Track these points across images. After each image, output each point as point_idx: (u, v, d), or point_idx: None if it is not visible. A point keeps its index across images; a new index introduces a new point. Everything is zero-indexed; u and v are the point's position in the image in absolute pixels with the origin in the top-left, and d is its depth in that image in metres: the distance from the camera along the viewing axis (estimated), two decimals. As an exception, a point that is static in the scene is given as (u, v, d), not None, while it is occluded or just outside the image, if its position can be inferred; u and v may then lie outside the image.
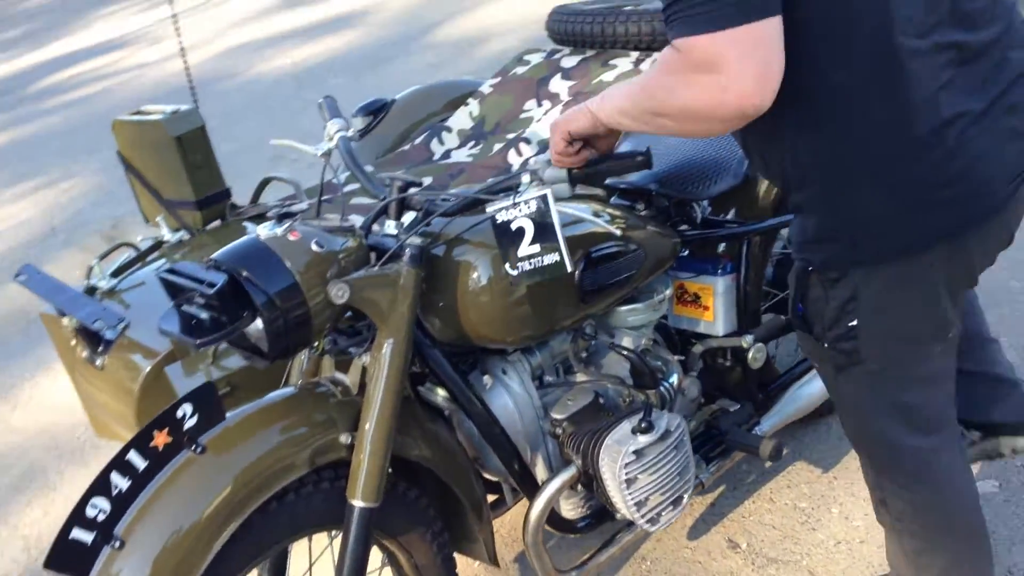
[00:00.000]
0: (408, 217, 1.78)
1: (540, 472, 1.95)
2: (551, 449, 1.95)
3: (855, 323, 1.49)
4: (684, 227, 2.12)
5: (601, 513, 2.02)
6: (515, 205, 1.57)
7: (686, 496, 1.90)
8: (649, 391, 1.97)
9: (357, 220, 2.26)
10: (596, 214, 1.84)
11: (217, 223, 2.53)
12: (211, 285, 1.49)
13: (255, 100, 7.05)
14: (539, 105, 2.66)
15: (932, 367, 1.55)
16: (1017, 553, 2.05)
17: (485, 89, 2.82)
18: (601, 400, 1.95)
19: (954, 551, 1.69)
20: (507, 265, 1.61)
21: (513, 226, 1.58)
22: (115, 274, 2.35)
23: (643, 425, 1.80)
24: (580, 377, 1.98)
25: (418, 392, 1.93)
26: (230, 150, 5.73)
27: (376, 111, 2.95)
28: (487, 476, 2.04)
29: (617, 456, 1.78)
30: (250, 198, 2.59)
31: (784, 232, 2.37)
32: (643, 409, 1.85)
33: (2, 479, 3.18)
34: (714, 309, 2.12)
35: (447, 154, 2.70)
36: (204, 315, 1.53)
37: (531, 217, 1.57)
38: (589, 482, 1.87)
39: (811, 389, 2.24)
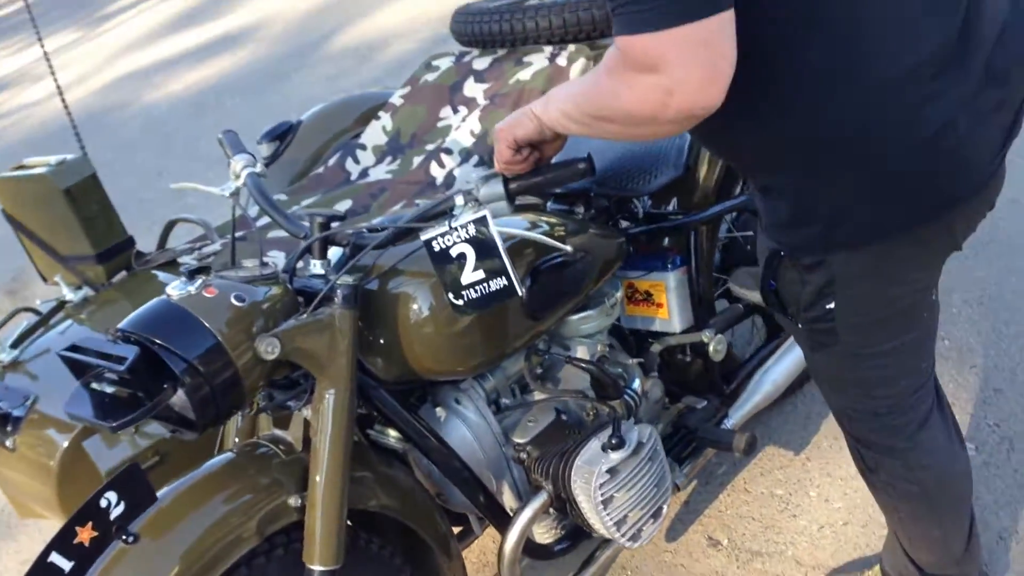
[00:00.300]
0: (334, 253, 1.64)
1: (509, 501, 1.82)
2: (517, 475, 1.83)
3: (832, 306, 1.41)
4: (627, 224, 2.01)
5: (576, 532, 1.91)
6: (452, 230, 1.43)
7: (665, 506, 1.79)
8: (613, 402, 1.85)
9: (278, 257, 2.11)
10: (535, 225, 1.72)
11: (123, 275, 2.33)
12: (121, 361, 1.32)
13: (151, 129, 6.75)
14: (455, 112, 2.52)
15: (915, 335, 1.47)
16: (1005, 517, 1.99)
17: (396, 100, 2.67)
18: (564, 417, 1.84)
19: (942, 516, 1.64)
20: (451, 295, 1.47)
21: (453, 252, 1.45)
22: (16, 344, 2.14)
23: (613, 441, 1.68)
24: (538, 396, 1.85)
25: (368, 435, 1.78)
26: (130, 185, 5.48)
27: (282, 135, 2.78)
28: (452, 509, 1.91)
29: (590, 477, 1.67)
30: (157, 243, 2.40)
31: (729, 217, 2.28)
32: (610, 423, 1.73)
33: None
34: (668, 306, 2.02)
35: (364, 173, 2.55)
36: (117, 393, 1.36)
37: (471, 241, 1.43)
38: (562, 506, 1.75)
39: (776, 374, 2.15)
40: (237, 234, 2.20)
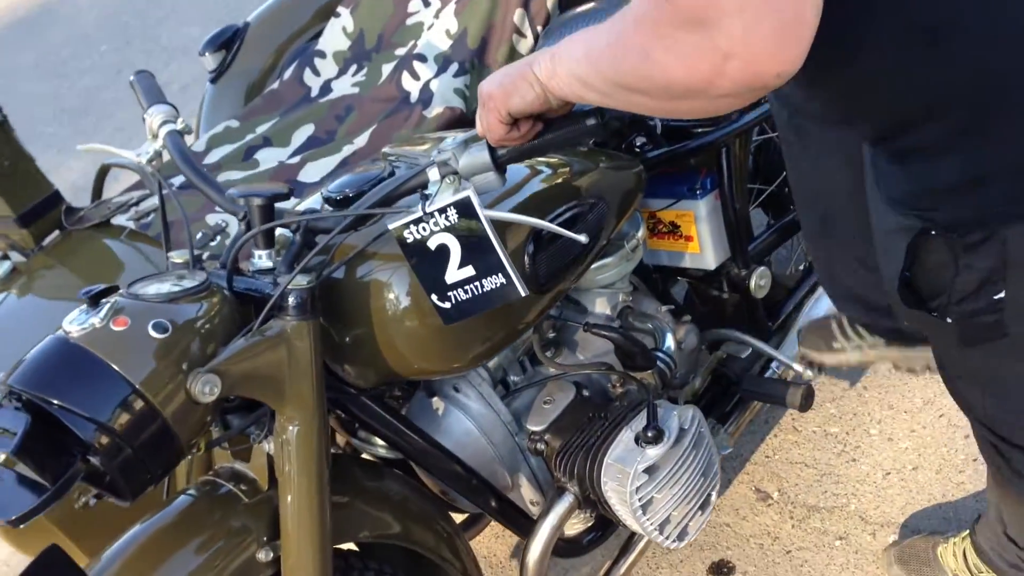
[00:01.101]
0: (282, 233, 1.30)
1: (528, 495, 1.54)
2: (536, 467, 1.54)
3: (1002, 295, 1.07)
4: (643, 145, 1.65)
5: (607, 522, 1.64)
6: (427, 216, 1.09)
7: (715, 494, 1.51)
8: (643, 373, 1.54)
9: (228, 225, 1.74)
10: (531, 178, 1.36)
11: (55, 235, 1.99)
12: (10, 436, 1.01)
13: (106, 21, 6.20)
14: (426, 5, 2.10)
15: None
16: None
17: (354, -10, 2.24)
18: (585, 392, 1.54)
19: None
20: (434, 297, 1.14)
21: (431, 244, 1.11)
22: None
23: (649, 434, 1.38)
24: (552, 369, 1.54)
25: (350, 442, 1.49)
26: (91, 84, 5.01)
27: (228, 42, 2.40)
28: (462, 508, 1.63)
29: (624, 479, 1.38)
30: (91, 193, 2.04)
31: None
32: (642, 406, 1.43)
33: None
34: (699, 238, 1.68)
35: (327, 87, 2.15)
36: (11, 478, 1.05)
37: (453, 230, 1.09)
38: (592, 504, 1.48)
39: (827, 302, 1.82)
40: (177, 183, 1.85)
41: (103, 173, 2.01)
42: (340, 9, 2.26)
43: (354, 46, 2.18)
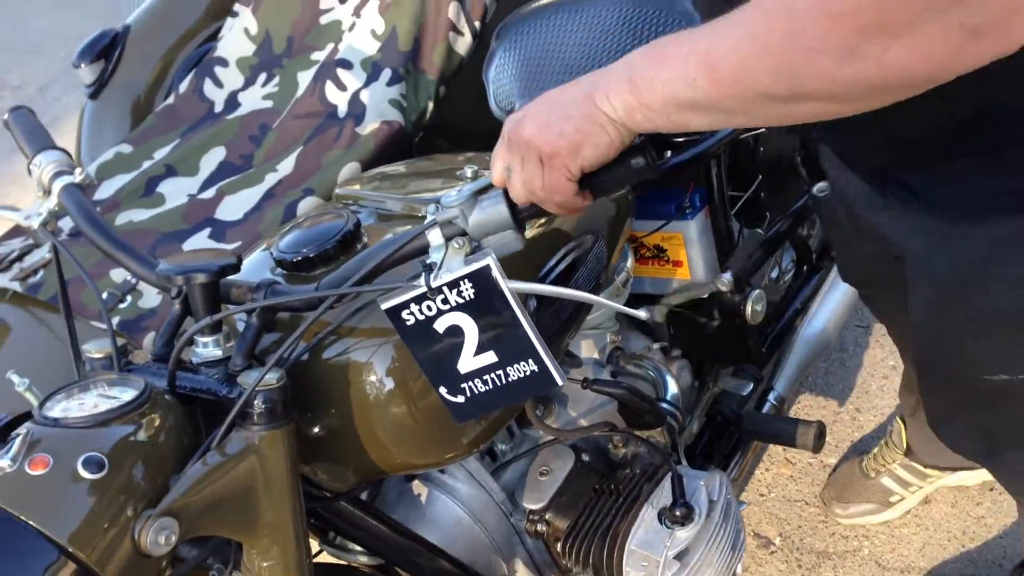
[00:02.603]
0: (232, 320, 1.04)
1: (523, 583, 1.33)
2: (531, 548, 1.32)
3: None
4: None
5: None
6: (434, 293, 0.85)
7: (740, 566, 1.32)
8: (651, 428, 1.34)
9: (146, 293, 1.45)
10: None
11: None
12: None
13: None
14: (342, 1, 1.84)
15: None
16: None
17: (255, -12, 1.95)
18: (585, 457, 1.33)
19: None
20: (443, 390, 0.91)
21: (438, 326, 0.87)
22: None
23: (678, 513, 1.18)
24: (545, 434, 1.32)
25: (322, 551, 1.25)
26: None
27: (105, 50, 2.07)
28: None
29: (653, 568, 1.18)
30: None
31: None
32: (661, 475, 1.23)
33: None
34: (690, 263, 1.50)
35: (233, 100, 1.85)
36: None
37: (467, 308, 0.86)
38: (606, 588, 1.27)
39: (823, 321, 1.68)
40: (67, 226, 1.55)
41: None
42: (238, 7, 1.97)
43: (260, 51, 1.90)
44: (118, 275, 1.43)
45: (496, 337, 0.88)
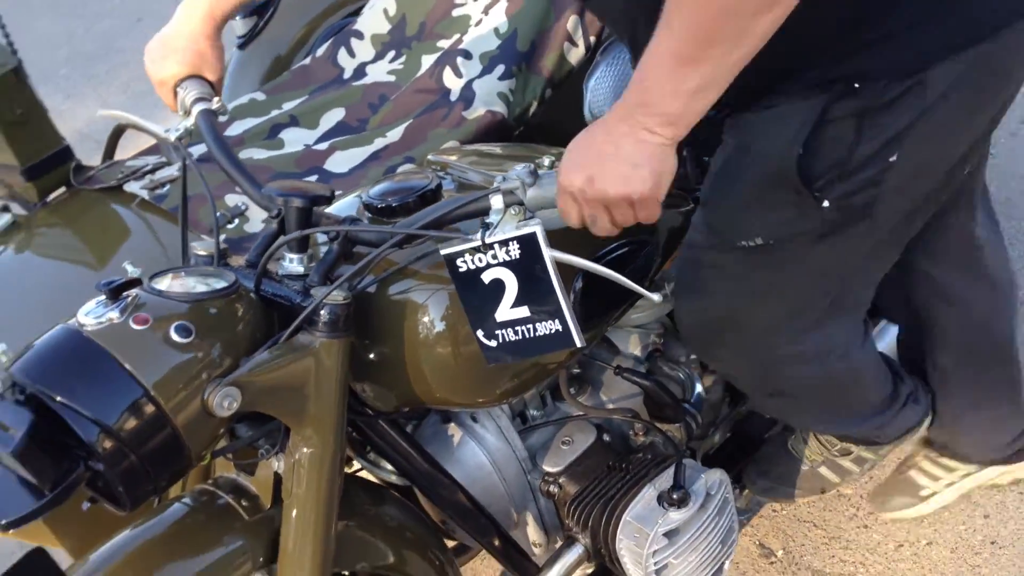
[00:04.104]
0: (317, 242, 1.20)
1: (532, 538, 1.46)
2: (544, 509, 1.46)
3: (895, 157, 1.12)
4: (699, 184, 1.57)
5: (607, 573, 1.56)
6: (486, 248, 1.00)
7: (728, 562, 1.44)
8: (669, 423, 1.47)
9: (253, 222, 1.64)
10: None
11: (62, 192, 1.88)
12: (10, 435, 0.91)
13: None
14: (475, -1, 2.01)
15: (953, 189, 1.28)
16: None
17: (405, -29, 2.14)
18: (606, 437, 1.46)
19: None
20: (479, 333, 1.06)
21: (485, 278, 1.02)
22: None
23: (675, 496, 1.31)
24: (575, 409, 1.46)
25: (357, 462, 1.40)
26: (107, 28, 4.83)
27: (260, 8, 2.29)
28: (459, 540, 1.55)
29: (643, 540, 1.30)
30: (103, 153, 1.93)
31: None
32: (667, 462, 1.36)
33: None
34: (739, 288, 1.60)
35: (361, 70, 2.05)
36: (8, 478, 0.96)
37: (512, 265, 1.01)
38: (600, 557, 1.40)
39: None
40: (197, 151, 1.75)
41: (118, 133, 1.90)
42: (387, -9, 2.16)
43: (394, 31, 2.08)
44: (231, 199, 1.63)
45: (531, 296, 1.02)
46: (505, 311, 1.03)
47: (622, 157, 1.00)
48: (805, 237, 1.20)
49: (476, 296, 1.04)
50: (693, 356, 1.61)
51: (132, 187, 1.75)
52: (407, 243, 1.12)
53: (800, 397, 1.43)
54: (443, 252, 1.03)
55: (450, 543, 1.61)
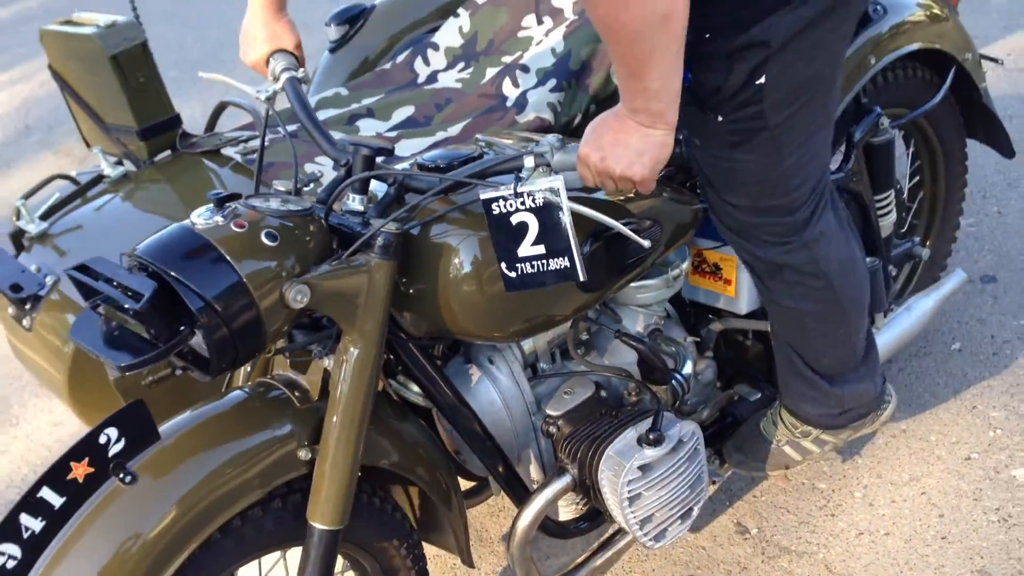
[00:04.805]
0: (377, 187, 1.49)
1: (531, 472, 1.72)
2: (544, 448, 1.71)
3: (762, 80, 1.40)
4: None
5: (596, 513, 1.80)
6: (517, 195, 1.27)
7: (697, 508, 1.67)
8: (659, 387, 1.71)
9: (322, 168, 1.95)
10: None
11: (167, 154, 2.20)
12: (136, 297, 1.20)
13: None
14: (539, 23, 2.30)
15: (828, 113, 1.52)
16: None
17: (479, -2, 2.46)
18: (603, 393, 1.71)
19: (846, 308, 1.66)
20: (503, 265, 1.33)
21: (513, 220, 1.29)
22: (46, 215, 2.04)
23: (651, 436, 1.55)
24: (579, 366, 1.72)
25: (389, 384, 1.67)
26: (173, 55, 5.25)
27: (353, 19, 2.62)
28: (470, 470, 1.81)
29: (619, 470, 1.54)
30: (206, 125, 2.26)
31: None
32: (651, 413, 1.60)
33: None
34: (737, 283, 1.84)
35: (433, 77, 2.36)
36: (128, 326, 1.24)
37: (536, 211, 1.28)
38: (586, 490, 1.64)
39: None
40: (290, 127, 2.06)
41: (220, 109, 2.23)
42: (461, 11, 2.47)
43: (466, 46, 2.39)
44: (309, 167, 1.93)
45: (548, 237, 1.29)
46: (526, 248, 1.30)
47: (630, 146, 1.31)
48: (722, 143, 1.49)
49: (504, 235, 1.31)
50: (690, 339, 1.86)
51: (228, 151, 2.06)
52: (451, 192, 1.40)
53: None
54: (483, 196, 1.30)
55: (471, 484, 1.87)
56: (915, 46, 1.98)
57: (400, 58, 2.45)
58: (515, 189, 1.28)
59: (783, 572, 1.92)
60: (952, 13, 2.09)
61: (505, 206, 1.29)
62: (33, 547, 1.24)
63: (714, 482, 1.86)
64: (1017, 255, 2.56)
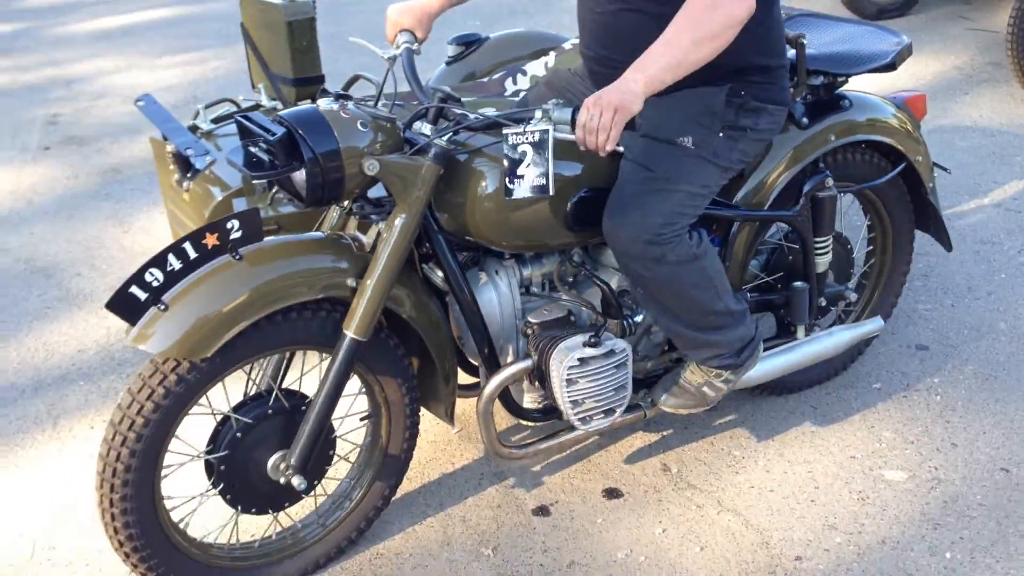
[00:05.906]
0: (442, 125, 2.17)
1: (507, 357, 2.33)
2: (519, 345, 2.33)
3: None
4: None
5: (551, 410, 2.40)
6: (524, 132, 1.93)
7: (619, 409, 2.26)
8: (613, 320, 2.32)
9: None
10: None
11: (307, 103, 2.95)
12: (272, 134, 1.90)
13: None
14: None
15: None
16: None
17: (567, 45, 3.17)
18: (572, 317, 2.32)
19: (712, 271, 2.22)
20: (507, 179, 1.98)
21: (519, 149, 1.95)
22: (215, 121, 2.80)
23: (592, 340, 2.16)
24: (561, 296, 2.34)
25: (422, 269, 2.33)
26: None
27: (470, 43, 3.36)
28: (468, 359, 2.43)
29: (564, 358, 2.16)
30: (341, 88, 3.00)
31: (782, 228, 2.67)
32: (598, 328, 2.21)
33: (102, 285, 3.70)
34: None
35: (516, 94, 3.07)
36: (263, 157, 1.94)
37: (533, 144, 1.93)
38: (542, 377, 2.25)
39: (772, 365, 2.54)
40: (398, 101, 2.78)
41: (352, 80, 2.97)
42: (552, 52, 3.19)
43: (548, 75, 3.09)
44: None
45: (537, 161, 1.93)
46: (523, 169, 1.95)
47: (621, 90, 1.91)
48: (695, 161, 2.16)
49: (511, 156, 1.95)
50: (648, 303, 2.47)
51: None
52: (490, 129, 2.06)
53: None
54: (505, 131, 1.96)
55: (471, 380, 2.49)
56: (872, 136, 2.57)
57: (496, 76, 3.17)
58: (525, 128, 1.93)
59: (685, 499, 2.47)
60: (913, 122, 2.69)
61: (516, 138, 1.95)
62: (171, 278, 1.91)
63: (643, 414, 2.42)
64: (954, 336, 3.09)
